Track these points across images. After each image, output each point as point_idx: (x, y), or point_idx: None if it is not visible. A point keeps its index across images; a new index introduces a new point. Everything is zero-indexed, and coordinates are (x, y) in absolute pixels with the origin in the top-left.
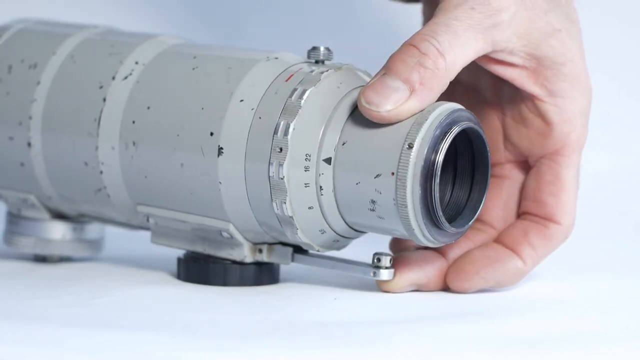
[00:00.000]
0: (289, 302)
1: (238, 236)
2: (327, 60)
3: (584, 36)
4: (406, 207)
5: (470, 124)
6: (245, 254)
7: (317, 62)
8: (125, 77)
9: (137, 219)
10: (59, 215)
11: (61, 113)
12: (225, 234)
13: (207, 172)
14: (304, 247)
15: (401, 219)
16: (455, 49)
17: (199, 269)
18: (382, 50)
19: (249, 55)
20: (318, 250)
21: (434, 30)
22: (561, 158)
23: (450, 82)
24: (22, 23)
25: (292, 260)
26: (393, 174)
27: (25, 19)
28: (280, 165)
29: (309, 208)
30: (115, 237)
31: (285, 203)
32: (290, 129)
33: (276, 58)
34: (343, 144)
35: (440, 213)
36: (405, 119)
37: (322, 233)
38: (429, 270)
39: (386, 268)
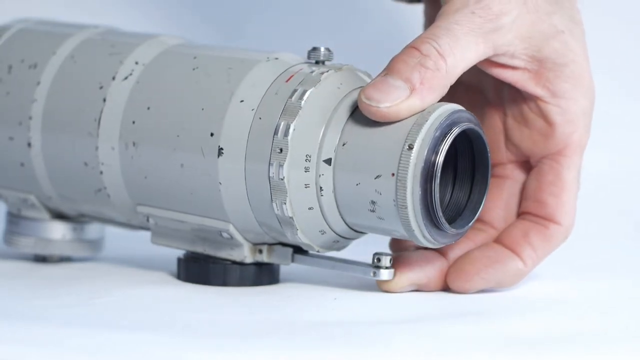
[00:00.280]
0: (289, 302)
1: (238, 237)
2: (328, 60)
3: None
4: (406, 208)
5: (471, 125)
6: (245, 255)
7: (317, 62)
8: (126, 78)
9: (137, 219)
10: (59, 215)
11: (61, 113)
12: (225, 235)
13: (207, 172)
14: (304, 248)
15: (401, 219)
16: (455, 52)
17: (199, 269)
18: (383, 51)
19: (249, 55)
20: (318, 251)
21: (435, 33)
22: (563, 159)
23: None
24: (22, 23)
25: (292, 260)
26: (393, 174)
27: (26, 19)
28: (281, 166)
29: (309, 209)
30: (115, 237)
31: (285, 204)
32: (291, 130)
33: (276, 58)
34: (343, 145)
35: (440, 214)
36: (405, 118)
37: (322, 234)
38: (429, 270)
39: (386, 268)
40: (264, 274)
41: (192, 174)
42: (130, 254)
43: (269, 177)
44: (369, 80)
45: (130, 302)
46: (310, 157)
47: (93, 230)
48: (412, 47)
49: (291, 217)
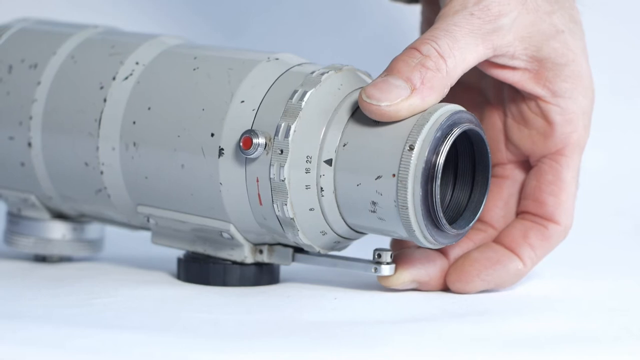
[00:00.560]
0: (289, 302)
1: (239, 237)
2: None
3: None
4: (407, 208)
5: (471, 126)
6: (246, 255)
7: None
8: (126, 78)
9: (137, 220)
10: (59, 215)
11: (61, 113)
12: (225, 235)
13: (207, 173)
14: (305, 249)
15: (402, 220)
16: (455, 53)
17: (199, 269)
18: (383, 51)
19: (250, 56)
20: (319, 252)
21: (434, 35)
22: (562, 158)
23: None
24: (22, 23)
25: (293, 260)
26: (394, 175)
27: (26, 18)
28: (281, 167)
29: (310, 209)
30: (115, 237)
31: (286, 205)
32: (291, 131)
33: (277, 59)
34: (344, 146)
35: (441, 215)
36: (406, 118)
37: (323, 234)
38: (430, 268)
39: (387, 264)
40: (264, 274)
41: (192, 175)
42: (130, 254)
43: (270, 178)
44: (369, 81)
45: (130, 302)
46: (310, 158)
47: (93, 230)
48: (413, 48)
49: (292, 218)
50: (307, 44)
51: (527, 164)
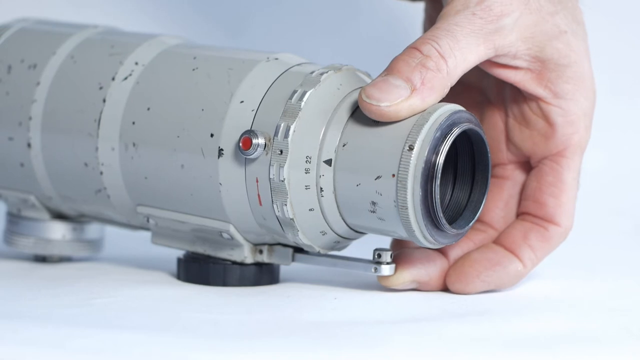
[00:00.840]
0: (289, 302)
1: (238, 237)
2: None
3: None
4: (407, 208)
5: (471, 126)
6: (246, 255)
7: None
8: (125, 78)
9: (137, 220)
10: (59, 215)
11: (61, 114)
12: (225, 235)
13: (207, 173)
14: (305, 249)
15: (402, 220)
16: (456, 53)
17: (199, 269)
18: (383, 51)
19: (249, 56)
20: (319, 252)
21: (435, 34)
22: (563, 160)
23: None
24: (22, 23)
25: (293, 260)
26: (394, 175)
27: (25, 18)
28: (281, 167)
29: (310, 210)
30: (115, 237)
31: (286, 205)
32: (291, 131)
33: (276, 59)
34: (343, 146)
35: (440, 214)
36: (405, 118)
37: (323, 234)
38: (430, 268)
39: (387, 264)
40: (264, 274)
41: (192, 175)
42: (130, 254)
43: (270, 178)
44: (369, 81)
45: (130, 302)
46: (310, 158)
47: (93, 230)
48: (413, 47)
49: (292, 219)
50: (307, 44)
51: (527, 165)
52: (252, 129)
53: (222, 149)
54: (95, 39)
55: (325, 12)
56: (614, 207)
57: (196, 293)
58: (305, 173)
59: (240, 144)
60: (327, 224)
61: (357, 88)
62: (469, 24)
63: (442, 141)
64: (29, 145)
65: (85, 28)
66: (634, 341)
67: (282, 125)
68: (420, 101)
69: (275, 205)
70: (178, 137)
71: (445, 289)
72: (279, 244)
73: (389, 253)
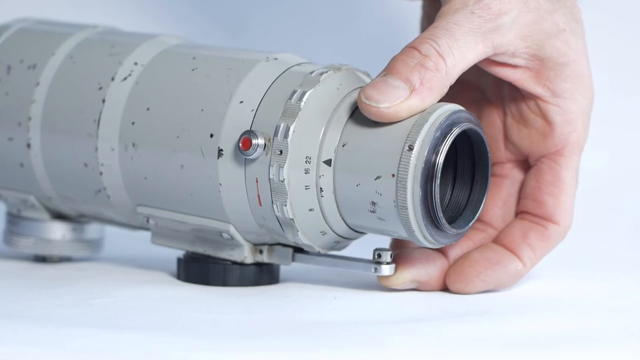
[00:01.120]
0: (289, 302)
1: (238, 237)
2: None
3: None
4: (406, 208)
5: (471, 125)
6: (246, 255)
7: None
8: (125, 78)
9: (137, 220)
10: (59, 216)
11: (60, 114)
12: (225, 235)
13: (207, 173)
14: (305, 249)
15: (402, 220)
16: (454, 52)
17: (199, 269)
18: (383, 51)
19: (249, 56)
20: (319, 252)
21: (434, 34)
22: (562, 158)
23: None
24: (21, 23)
25: (293, 260)
26: (393, 175)
27: (25, 18)
28: (281, 167)
29: (310, 210)
30: (115, 237)
31: (285, 205)
32: (290, 131)
33: (276, 59)
34: (343, 146)
35: (440, 214)
36: (405, 119)
37: (323, 234)
38: (430, 268)
39: (387, 263)
40: (264, 274)
41: (192, 175)
42: (130, 254)
43: (269, 178)
44: (368, 81)
45: (130, 302)
46: (310, 158)
47: (93, 230)
48: (412, 47)
49: (292, 219)
50: (307, 44)
51: (526, 164)
52: (252, 129)
53: (221, 149)
54: (94, 39)
55: (325, 12)
56: (613, 205)
57: (196, 293)
58: (305, 173)
59: (240, 144)
60: (327, 224)
61: (356, 88)
62: (467, 22)
63: (442, 141)
64: (28, 145)
65: (84, 28)
66: (634, 341)
67: (282, 125)
68: (420, 101)
69: (275, 206)
70: (178, 137)
71: (445, 288)
72: (279, 244)
73: (389, 253)
